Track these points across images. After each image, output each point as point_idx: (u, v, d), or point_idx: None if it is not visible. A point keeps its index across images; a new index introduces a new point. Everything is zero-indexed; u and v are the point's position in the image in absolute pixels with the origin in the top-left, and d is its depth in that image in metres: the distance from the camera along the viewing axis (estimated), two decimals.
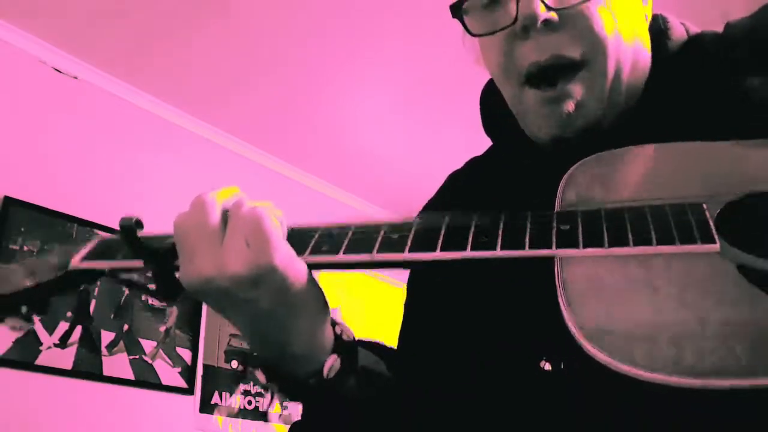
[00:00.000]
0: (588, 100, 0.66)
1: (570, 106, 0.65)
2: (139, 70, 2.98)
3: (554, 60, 0.65)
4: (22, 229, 2.56)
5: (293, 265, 0.55)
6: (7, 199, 2.55)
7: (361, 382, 0.64)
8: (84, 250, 0.65)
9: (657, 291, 0.48)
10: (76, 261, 0.64)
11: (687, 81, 0.68)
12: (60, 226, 2.68)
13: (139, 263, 0.61)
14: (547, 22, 0.64)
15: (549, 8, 0.63)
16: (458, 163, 0.87)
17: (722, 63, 0.67)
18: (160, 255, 0.60)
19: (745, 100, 0.63)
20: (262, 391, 3.20)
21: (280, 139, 3.50)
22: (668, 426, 0.52)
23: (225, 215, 0.56)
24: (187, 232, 0.56)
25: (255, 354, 0.62)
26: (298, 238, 0.58)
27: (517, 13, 0.64)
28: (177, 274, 0.58)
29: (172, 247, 0.58)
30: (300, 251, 0.57)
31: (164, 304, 2.89)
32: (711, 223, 0.50)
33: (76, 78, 2.91)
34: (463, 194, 0.63)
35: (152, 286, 0.62)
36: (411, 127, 3.38)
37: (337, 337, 0.63)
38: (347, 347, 0.63)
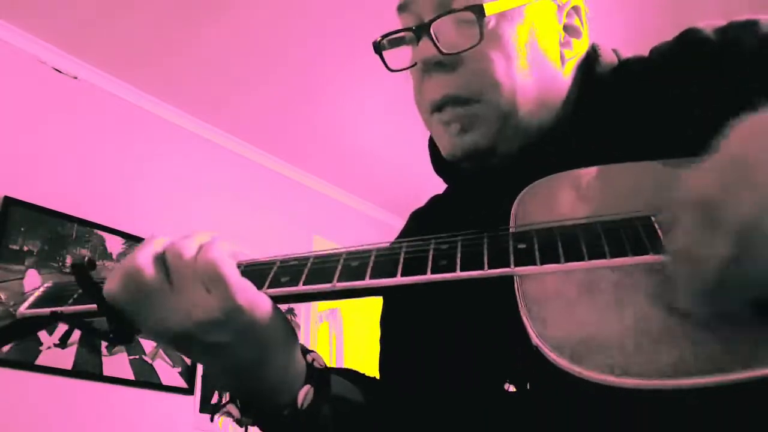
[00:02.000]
0: (472, 127, 0.69)
1: (454, 128, 0.69)
2: (139, 70, 2.98)
3: (446, 99, 0.69)
4: (22, 229, 2.56)
5: (258, 301, 0.55)
6: (7, 199, 2.55)
7: (335, 411, 0.64)
8: (33, 297, 0.64)
9: (611, 298, 0.49)
10: (23, 309, 0.63)
11: (614, 103, 0.70)
12: (60, 226, 2.68)
13: (91, 306, 0.59)
14: (440, 64, 0.68)
15: (442, 53, 0.67)
16: None
17: (648, 86, 0.69)
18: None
19: (671, 120, 0.64)
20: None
21: (280, 139, 3.51)
22: None
23: (160, 263, 0.55)
24: (129, 300, 0.55)
25: (225, 390, 0.62)
26: (257, 273, 0.58)
27: (416, 55, 0.70)
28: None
29: None
30: (259, 285, 0.57)
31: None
32: (660, 234, 0.51)
33: (76, 78, 2.91)
34: (425, 231, 0.65)
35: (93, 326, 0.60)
36: (411, 127, 3.35)
37: (309, 366, 0.63)
38: (320, 375, 0.63)
